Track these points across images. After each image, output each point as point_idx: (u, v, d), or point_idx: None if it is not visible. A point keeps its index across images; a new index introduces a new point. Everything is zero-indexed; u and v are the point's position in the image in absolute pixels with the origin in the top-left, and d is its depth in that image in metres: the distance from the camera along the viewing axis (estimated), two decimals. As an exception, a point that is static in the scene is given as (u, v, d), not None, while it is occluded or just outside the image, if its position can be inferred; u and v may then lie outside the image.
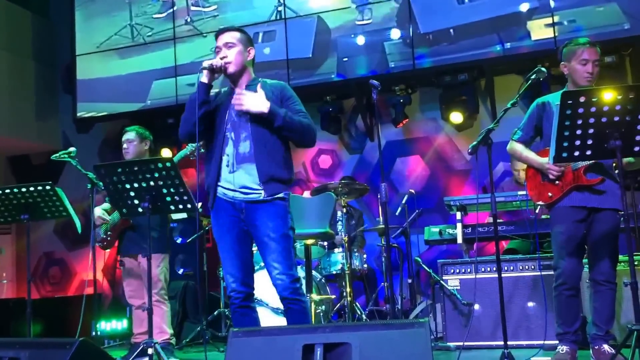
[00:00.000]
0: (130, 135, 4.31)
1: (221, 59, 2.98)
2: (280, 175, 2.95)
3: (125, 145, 4.29)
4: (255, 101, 2.87)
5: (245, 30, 3.13)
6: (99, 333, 5.83)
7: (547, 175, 3.26)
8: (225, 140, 2.97)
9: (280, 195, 2.94)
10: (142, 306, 3.89)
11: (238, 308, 2.94)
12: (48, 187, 3.73)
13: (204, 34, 6.43)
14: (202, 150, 4.20)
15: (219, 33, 3.08)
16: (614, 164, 3.20)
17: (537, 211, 3.53)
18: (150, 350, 3.13)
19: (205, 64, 2.94)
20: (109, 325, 5.99)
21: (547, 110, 3.29)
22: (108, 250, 4.33)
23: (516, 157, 3.55)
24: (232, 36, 3.03)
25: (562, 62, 3.29)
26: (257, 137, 2.91)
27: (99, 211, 4.20)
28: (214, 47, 3.09)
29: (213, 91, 3.07)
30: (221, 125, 3.00)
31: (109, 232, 4.22)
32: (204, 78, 2.94)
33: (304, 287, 3.96)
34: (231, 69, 2.99)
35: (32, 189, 3.72)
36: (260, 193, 2.90)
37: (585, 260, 3.33)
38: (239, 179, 2.93)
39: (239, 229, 2.96)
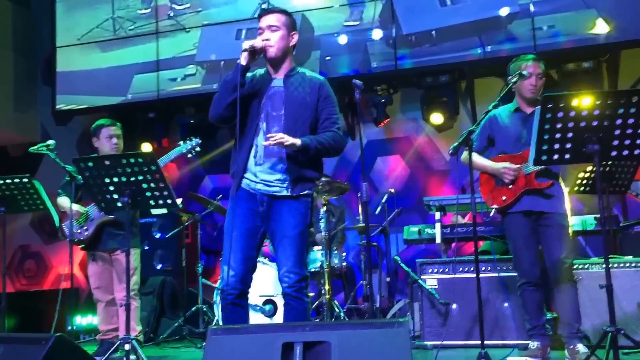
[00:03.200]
0: (120, 131, 4.25)
1: (263, 40, 2.85)
2: (309, 175, 2.91)
3: (115, 141, 4.20)
4: (288, 139, 2.75)
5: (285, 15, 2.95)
6: (74, 328, 5.77)
7: (501, 179, 3.43)
8: (257, 130, 2.88)
9: (306, 192, 2.90)
10: (122, 300, 3.84)
11: (230, 304, 2.85)
12: (25, 180, 3.68)
13: (187, 29, 6.38)
14: (199, 149, 4.07)
15: (263, 14, 2.94)
16: (559, 171, 3.43)
17: (491, 214, 3.72)
18: (127, 346, 3.11)
19: (246, 44, 2.80)
20: (84, 320, 5.93)
21: (498, 122, 3.51)
22: (81, 246, 4.20)
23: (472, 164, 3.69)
24: (277, 19, 2.90)
25: (509, 77, 3.44)
26: (289, 134, 2.79)
27: (76, 205, 4.04)
28: (257, 28, 2.93)
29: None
30: (256, 114, 2.89)
31: (84, 227, 4.08)
32: (243, 60, 2.79)
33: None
34: (272, 52, 2.87)
35: (9, 181, 3.67)
36: (283, 188, 2.85)
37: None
38: (263, 172, 2.87)
39: (252, 224, 2.88)
